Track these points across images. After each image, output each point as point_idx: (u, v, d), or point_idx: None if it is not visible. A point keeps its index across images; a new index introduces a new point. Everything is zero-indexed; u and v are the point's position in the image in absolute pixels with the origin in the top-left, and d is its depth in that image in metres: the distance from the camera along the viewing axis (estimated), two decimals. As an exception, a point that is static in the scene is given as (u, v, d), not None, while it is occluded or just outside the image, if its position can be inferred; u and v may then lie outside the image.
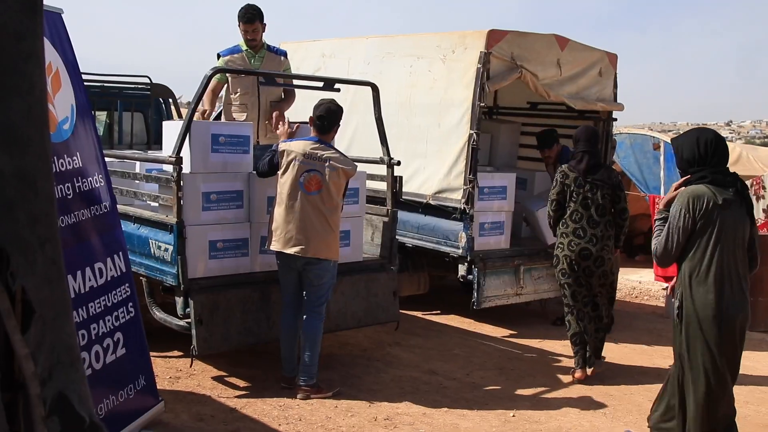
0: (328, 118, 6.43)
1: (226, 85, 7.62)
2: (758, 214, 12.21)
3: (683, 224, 4.80)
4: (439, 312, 9.83)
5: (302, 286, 6.44)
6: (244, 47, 7.58)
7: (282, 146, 6.39)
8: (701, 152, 4.88)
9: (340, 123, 6.58)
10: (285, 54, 7.83)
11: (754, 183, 12.38)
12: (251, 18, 7.50)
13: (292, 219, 6.28)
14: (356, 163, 6.66)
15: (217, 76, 7.37)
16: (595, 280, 7.25)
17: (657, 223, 5.05)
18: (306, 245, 6.28)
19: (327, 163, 6.28)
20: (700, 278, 4.82)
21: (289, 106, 7.73)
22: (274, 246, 6.34)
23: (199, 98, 6.55)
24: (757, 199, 12.25)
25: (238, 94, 7.50)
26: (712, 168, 4.86)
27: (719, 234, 4.79)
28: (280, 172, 6.33)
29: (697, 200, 4.78)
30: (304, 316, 6.42)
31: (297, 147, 6.34)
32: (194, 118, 6.50)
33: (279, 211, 6.32)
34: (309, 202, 6.28)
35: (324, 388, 6.44)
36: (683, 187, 4.92)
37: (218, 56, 7.61)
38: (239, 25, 7.55)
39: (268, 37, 7.73)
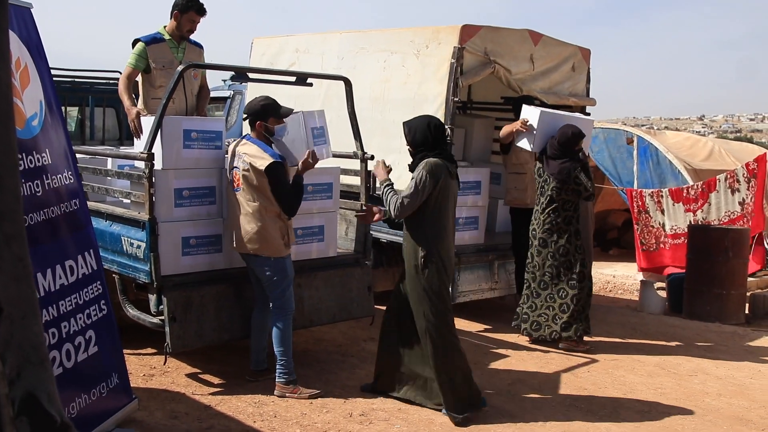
0: (248, 115, 6.41)
1: (143, 78, 7.51)
2: (734, 207, 12.31)
3: (428, 186, 5.90)
4: (413, 307, 9.81)
5: None
6: (167, 37, 7.48)
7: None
8: (432, 134, 6.07)
9: (267, 120, 6.36)
10: (202, 47, 7.75)
11: (728, 177, 12.48)
12: (203, 10, 7.44)
13: (230, 216, 6.41)
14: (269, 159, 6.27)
15: (132, 62, 7.29)
16: None
17: (386, 189, 6.17)
18: (237, 241, 6.35)
19: (242, 159, 6.25)
20: (440, 235, 6.07)
21: (207, 102, 7.71)
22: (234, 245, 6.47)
23: (171, 93, 6.49)
24: (732, 192, 12.35)
25: (162, 87, 7.29)
26: (441, 148, 6.11)
27: (448, 198, 6.06)
28: None
29: (439, 168, 5.95)
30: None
31: (231, 145, 6.42)
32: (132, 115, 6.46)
33: (228, 210, 6.50)
34: (236, 199, 6.32)
35: (302, 389, 6.40)
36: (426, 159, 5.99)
37: (136, 41, 7.45)
38: (181, 15, 7.37)
39: (243, 33, 7.69)
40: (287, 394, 6.31)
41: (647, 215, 12.55)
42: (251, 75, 7.55)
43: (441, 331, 6.09)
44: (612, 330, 9.36)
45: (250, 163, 6.18)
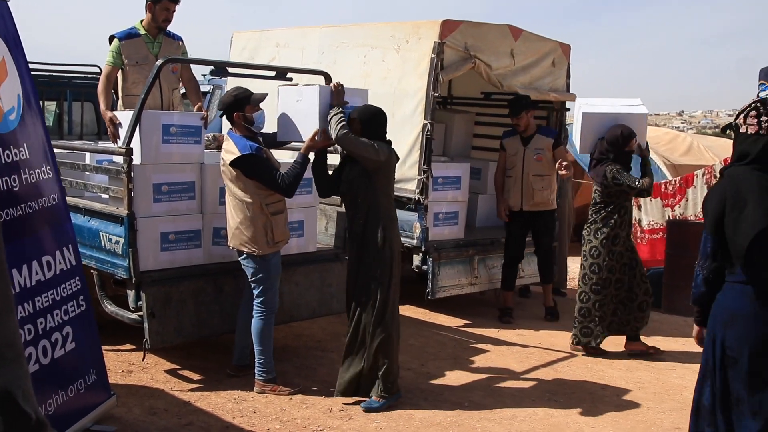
0: (223, 109, 6.38)
1: (120, 74, 7.46)
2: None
3: (381, 148, 6.05)
4: (394, 302, 9.81)
5: None
6: (142, 31, 7.44)
7: None
8: (383, 123, 6.22)
9: (243, 110, 6.29)
10: (181, 39, 7.72)
11: (706, 172, 12.55)
12: None
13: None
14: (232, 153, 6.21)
15: (110, 61, 7.26)
16: None
17: (337, 113, 6.14)
18: (227, 235, 6.36)
19: (222, 155, 6.25)
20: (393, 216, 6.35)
21: (200, 95, 7.64)
22: None
23: (150, 87, 6.45)
24: (709, 187, 12.41)
25: (137, 83, 7.27)
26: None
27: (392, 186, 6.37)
28: None
29: (394, 152, 6.24)
30: None
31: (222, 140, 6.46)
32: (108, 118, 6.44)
33: None
34: (225, 194, 6.34)
35: (282, 386, 6.38)
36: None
37: (112, 38, 7.42)
38: (154, 6, 7.35)
39: (223, 27, 7.65)
40: (267, 391, 6.29)
41: None
42: (231, 70, 7.52)
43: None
44: (591, 325, 9.37)
45: (224, 159, 6.17)
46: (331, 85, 6.40)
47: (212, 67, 7.65)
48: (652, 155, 14.12)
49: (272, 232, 6.23)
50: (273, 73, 7.21)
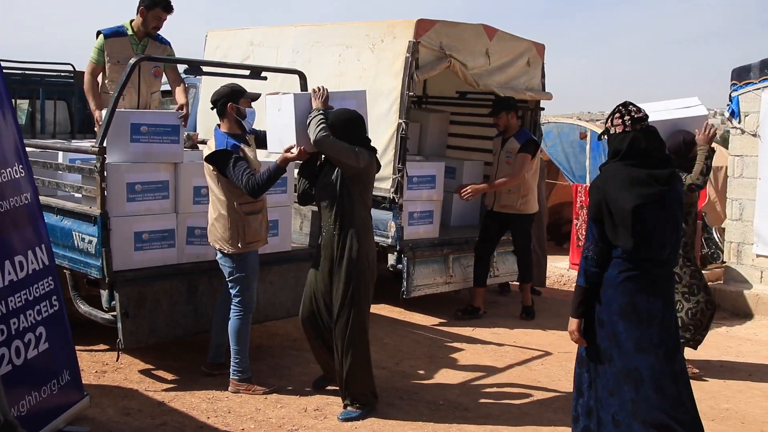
0: (217, 99, 6.29)
1: (102, 72, 7.45)
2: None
3: (363, 153, 5.85)
4: (369, 301, 9.82)
5: None
6: (130, 32, 7.43)
7: None
8: (358, 129, 5.98)
9: (228, 107, 6.24)
10: (169, 43, 7.71)
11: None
12: (170, 7, 7.41)
13: None
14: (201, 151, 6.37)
15: (94, 58, 7.24)
16: None
17: (317, 115, 5.94)
18: (207, 234, 6.36)
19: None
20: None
21: (186, 95, 7.60)
22: None
23: (123, 86, 6.42)
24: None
25: (116, 82, 7.19)
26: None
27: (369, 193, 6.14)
28: None
29: (376, 159, 6.08)
30: None
31: None
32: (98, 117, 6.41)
33: None
34: (200, 193, 6.40)
35: (257, 386, 6.37)
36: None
37: (98, 33, 7.42)
38: (147, 12, 7.36)
39: (198, 25, 7.64)
40: (241, 391, 6.27)
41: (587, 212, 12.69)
42: (205, 68, 7.49)
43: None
44: (565, 323, 9.38)
45: (203, 155, 6.16)
46: (311, 90, 6.24)
47: (186, 66, 7.62)
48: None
49: (245, 231, 6.18)
50: (247, 72, 7.19)
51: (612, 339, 4.70)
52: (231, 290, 6.28)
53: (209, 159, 6.05)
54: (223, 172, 6.04)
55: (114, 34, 7.39)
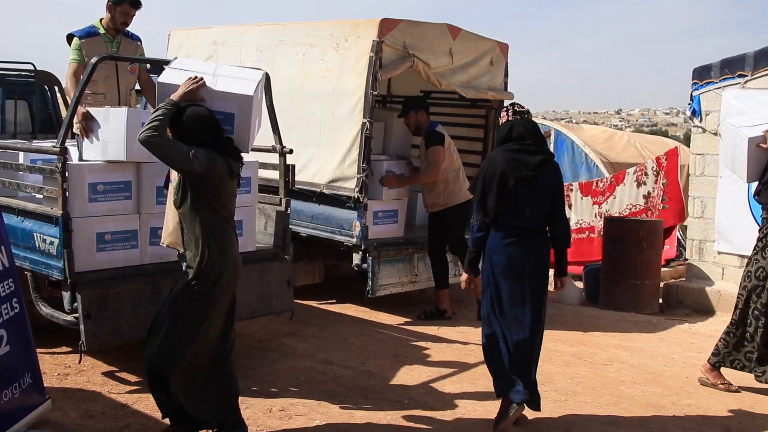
0: None
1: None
2: (637, 200, 12.59)
3: (200, 155, 4.99)
4: (334, 301, 9.83)
5: None
6: (102, 30, 7.40)
7: None
8: (199, 131, 5.12)
9: None
10: (140, 39, 7.68)
11: (637, 170, 12.75)
12: (138, 3, 7.37)
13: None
14: None
15: (76, 58, 7.19)
16: None
17: (162, 109, 5.12)
18: (164, 236, 5.99)
19: None
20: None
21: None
22: None
23: (84, 85, 6.36)
24: (638, 185, 12.63)
25: (94, 82, 7.15)
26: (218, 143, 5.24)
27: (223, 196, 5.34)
28: None
29: (222, 162, 5.21)
30: None
31: None
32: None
33: None
34: (169, 193, 5.90)
35: None
36: None
37: (70, 36, 7.38)
38: (114, 7, 7.33)
39: (160, 24, 7.63)
40: (206, 392, 6.22)
41: None
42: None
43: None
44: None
45: None
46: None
47: (149, 65, 7.58)
48: (590, 153, 14.33)
49: None
50: (210, 72, 7.15)
51: (499, 293, 5.85)
52: None
53: None
54: None
55: (87, 35, 7.37)
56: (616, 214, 12.43)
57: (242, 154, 5.50)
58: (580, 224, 12.83)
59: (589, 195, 12.83)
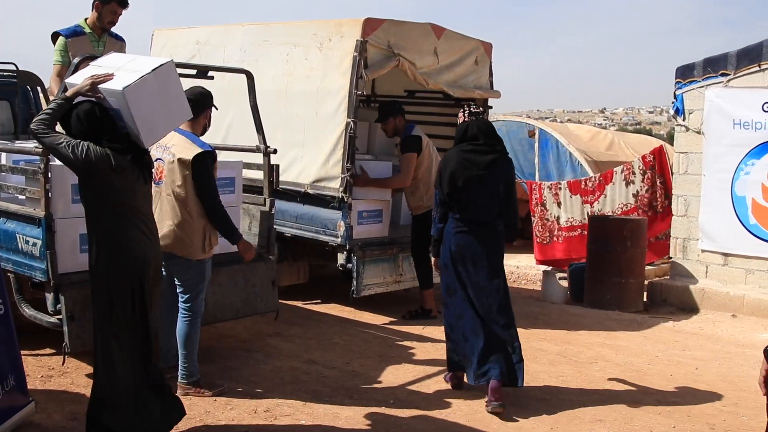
0: (192, 103, 6.14)
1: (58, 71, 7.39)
2: (627, 199, 12.62)
3: (82, 147, 4.82)
4: (319, 301, 9.82)
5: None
6: (87, 29, 7.38)
7: None
8: (85, 125, 4.95)
9: (210, 108, 6.30)
10: (124, 40, 7.68)
11: (624, 168, 12.78)
12: (125, 2, 7.36)
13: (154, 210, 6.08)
14: (215, 150, 6.20)
15: (59, 59, 7.17)
16: None
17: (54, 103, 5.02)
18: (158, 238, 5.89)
19: (168, 151, 6.05)
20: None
21: None
22: None
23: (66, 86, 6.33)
24: (627, 184, 12.65)
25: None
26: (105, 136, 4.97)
27: (116, 191, 5.01)
28: None
29: (108, 155, 4.92)
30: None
31: None
32: None
33: None
34: (157, 193, 5.98)
35: (205, 388, 6.28)
36: None
37: (56, 35, 7.36)
38: (102, 6, 7.34)
39: (144, 24, 7.61)
40: (190, 394, 6.21)
41: (543, 208, 12.85)
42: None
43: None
44: (515, 320, 9.47)
45: (175, 155, 6.00)
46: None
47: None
48: (574, 152, 14.36)
49: (210, 237, 6.14)
50: (194, 72, 7.14)
51: (453, 276, 6.48)
52: (182, 295, 6.21)
53: (198, 158, 5.94)
54: (200, 174, 5.97)
55: (73, 34, 7.36)
56: (610, 213, 12.46)
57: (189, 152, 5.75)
58: (571, 222, 12.85)
59: (578, 194, 12.86)
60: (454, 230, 6.44)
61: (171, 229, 6.04)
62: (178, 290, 6.24)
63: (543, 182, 13.21)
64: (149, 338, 5.13)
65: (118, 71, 5.14)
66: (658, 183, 12.52)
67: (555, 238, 12.90)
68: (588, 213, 12.51)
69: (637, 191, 12.56)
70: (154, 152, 5.98)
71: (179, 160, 5.98)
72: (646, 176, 12.55)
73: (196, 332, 6.25)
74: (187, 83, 6.70)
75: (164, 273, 6.24)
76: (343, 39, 8.68)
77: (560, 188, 12.92)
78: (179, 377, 6.26)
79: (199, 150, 5.98)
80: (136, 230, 5.03)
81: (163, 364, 6.46)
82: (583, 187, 12.88)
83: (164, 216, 6.05)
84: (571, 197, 12.91)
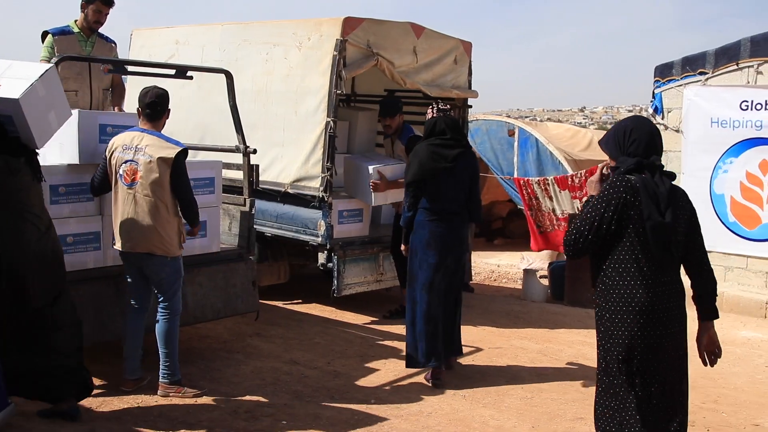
0: (159, 104, 6.16)
1: None
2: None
3: None
4: (300, 301, 9.80)
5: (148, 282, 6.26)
6: (76, 29, 7.36)
7: (109, 142, 6.16)
8: None
9: (169, 108, 6.27)
10: (115, 42, 7.65)
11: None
12: (110, 1, 7.34)
13: (119, 214, 6.04)
14: (187, 149, 6.16)
15: (46, 56, 7.15)
16: None
17: None
18: (132, 240, 6.03)
19: (142, 152, 5.99)
20: None
21: (123, 99, 7.60)
22: (116, 245, 6.15)
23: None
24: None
25: (66, 80, 7.07)
26: None
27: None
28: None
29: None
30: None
31: (119, 139, 6.07)
32: None
33: (113, 208, 6.12)
34: (130, 195, 5.97)
35: (187, 388, 6.26)
36: None
37: (45, 34, 7.36)
38: (87, 6, 7.33)
39: (122, 24, 7.61)
40: (171, 394, 6.18)
41: (538, 201, 12.85)
42: (130, 68, 7.40)
43: None
44: (496, 319, 9.52)
45: (152, 155, 5.94)
46: None
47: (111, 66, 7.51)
48: (554, 150, 14.39)
49: (183, 233, 6.17)
50: (173, 72, 7.10)
51: (420, 262, 6.83)
52: (162, 295, 6.17)
53: (180, 156, 5.98)
54: (178, 173, 5.99)
55: (61, 33, 7.37)
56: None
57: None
58: (565, 214, 12.90)
59: (567, 189, 12.89)
60: (424, 219, 6.81)
61: (150, 228, 6.00)
62: (157, 290, 6.20)
63: (530, 178, 13.25)
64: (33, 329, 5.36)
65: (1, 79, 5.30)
66: None
67: (556, 227, 12.92)
68: (578, 208, 12.55)
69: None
70: (123, 155, 5.97)
71: (160, 158, 5.94)
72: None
73: (177, 330, 6.23)
74: (166, 84, 6.70)
75: (129, 280, 6.23)
76: (323, 38, 8.66)
77: (548, 183, 12.95)
78: (160, 377, 6.22)
79: (178, 148, 6.00)
80: (32, 229, 5.24)
81: (126, 376, 6.36)
82: (570, 183, 12.91)
83: (142, 216, 5.99)
84: (560, 192, 12.94)
